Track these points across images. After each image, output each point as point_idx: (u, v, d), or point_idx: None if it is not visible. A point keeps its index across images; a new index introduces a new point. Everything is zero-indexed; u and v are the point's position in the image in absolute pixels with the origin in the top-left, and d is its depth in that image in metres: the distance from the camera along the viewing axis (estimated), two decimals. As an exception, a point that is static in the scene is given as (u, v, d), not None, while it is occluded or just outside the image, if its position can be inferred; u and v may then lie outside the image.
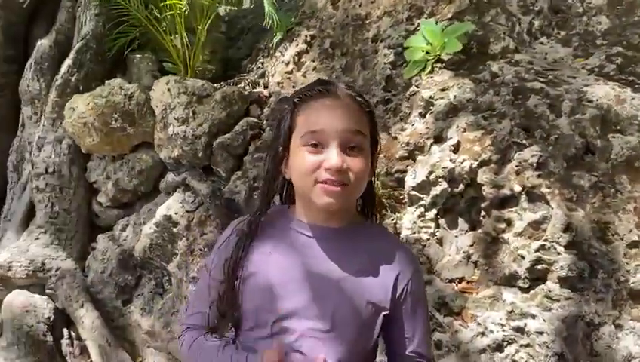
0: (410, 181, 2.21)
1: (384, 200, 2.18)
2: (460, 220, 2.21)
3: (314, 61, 2.97)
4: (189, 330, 1.23)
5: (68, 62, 3.31)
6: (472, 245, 2.15)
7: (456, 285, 2.11)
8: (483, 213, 2.15)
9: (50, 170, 3.15)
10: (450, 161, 2.15)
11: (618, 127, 2.12)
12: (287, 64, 3.03)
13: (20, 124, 3.59)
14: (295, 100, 1.13)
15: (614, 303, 1.86)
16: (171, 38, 3.31)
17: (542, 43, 2.74)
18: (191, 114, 2.78)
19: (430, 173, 2.16)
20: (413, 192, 2.19)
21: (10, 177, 3.56)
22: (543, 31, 2.74)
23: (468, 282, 2.14)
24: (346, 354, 1.09)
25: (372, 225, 1.23)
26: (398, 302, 1.13)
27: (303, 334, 1.08)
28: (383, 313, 1.12)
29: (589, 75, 2.39)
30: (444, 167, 2.14)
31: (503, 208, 2.12)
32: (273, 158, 1.15)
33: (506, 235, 2.08)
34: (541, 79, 2.32)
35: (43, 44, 3.58)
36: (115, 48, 3.41)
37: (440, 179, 2.15)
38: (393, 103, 2.58)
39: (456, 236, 2.18)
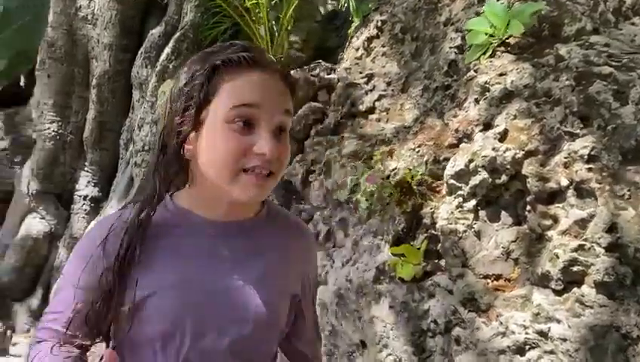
0: (449, 169, 2.11)
1: (414, 187, 2.11)
2: (503, 214, 2.06)
3: (384, 46, 2.93)
4: (37, 344, 0.95)
5: (167, 50, 3.63)
6: (514, 241, 2.00)
7: (491, 282, 1.98)
8: (528, 207, 1.99)
9: (147, 147, 3.49)
10: (493, 149, 2.01)
11: (698, 118, 1.83)
12: (357, 50, 3.02)
13: (130, 107, 4.02)
14: (217, 62, 0.88)
15: (661, 317, 1.63)
16: (257, 27, 3.48)
17: (633, 24, 2.44)
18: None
19: (470, 161, 2.04)
20: (452, 181, 2.09)
21: (121, 154, 4.01)
22: (636, 10, 2.44)
23: (506, 280, 2.00)
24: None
25: (272, 208, 1.06)
26: (304, 292, 1.05)
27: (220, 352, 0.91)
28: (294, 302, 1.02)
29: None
30: (484, 156, 2.02)
31: (550, 203, 1.95)
32: (177, 133, 0.88)
33: (550, 233, 1.91)
34: (614, 63, 2.07)
35: (153, 34, 3.96)
36: (210, 38, 3.67)
37: (480, 169, 2.03)
38: (452, 89, 2.47)
39: (497, 230, 2.04)
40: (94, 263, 0.88)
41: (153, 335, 0.88)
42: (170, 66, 3.59)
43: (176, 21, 3.99)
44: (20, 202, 4.17)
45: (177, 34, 3.66)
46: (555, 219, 1.91)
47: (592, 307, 1.68)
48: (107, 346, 0.92)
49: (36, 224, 4.01)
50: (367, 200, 2.19)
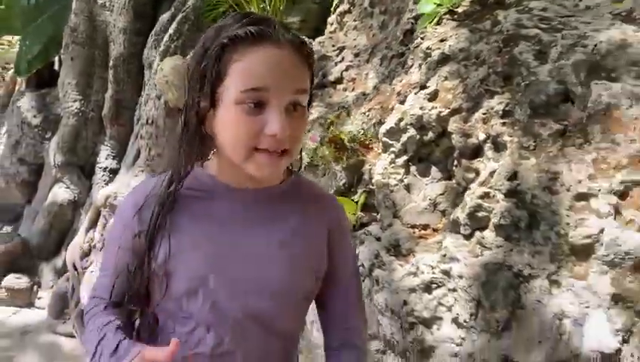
0: (383, 128, 2.24)
1: (347, 143, 2.26)
2: (434, 169, 2.18)
3: (355, 20, 3.06)
4: (93, 299, 1.04)
5: (170, 31, 3.88)
6: (441, 194, 2.12)
7: (418, 231, 2.11)
8: (455, 162, 2.10)
9: (150, 121, 3.77)
10: (421, 108, 2.13)
11: (613, 74, 1.89)
12: (332, 24, 3.17)
13: (142, 86, 4.32)
14: (224, 41, 0.86)
15: (552, 257, 1.72)
16: (250, 7, 3.67)
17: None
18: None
19: (400, 120, 2.17)
20: (385, 139, 2.22)
21: (134, 129, 4.32)
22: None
23: (433, 230, 2.13)
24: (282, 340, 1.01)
25: (298, 179, 1.06)
26: (334, 259, 1.05)
27: (237, 321, 0.95)
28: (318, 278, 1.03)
29: (613, 19, 2.13)
30: (412, 114, 2.14)
31: (473, 158, 2.06)
32: (196, 111, 0.90)
33: (473, 185, 2.02)
34: (543, 25, 2.13)
35: (163, 17, 4.22)
36: (209, 19, 3.89)
37: (409, 126, 2.15)
38: (405, 57, 2.58)
39: (426, 184, 2.17)
40: (131, 227, 0.95)
41: (180, 292, 0.93)
42: (172, 46, 3.84)
43: (184, 5, 4.24)
44: (48, 173, 4.57)
45: (179, 16, 3.90)
46: (477, 172, 2.02)
47: (490, 248, 1.79)
48: (144, 312, 1.00)
49: (62, 192, 4.39)
50: (310, 156, 2.36)
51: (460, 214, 1.90)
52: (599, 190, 1.69)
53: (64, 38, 4.48)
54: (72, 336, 3.66)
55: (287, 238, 0.97)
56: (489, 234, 1.81)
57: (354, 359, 1.05)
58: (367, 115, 2.47)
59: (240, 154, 0.88)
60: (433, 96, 2.16)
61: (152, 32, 4.21)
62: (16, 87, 5.30)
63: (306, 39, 0.98)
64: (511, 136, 1.90)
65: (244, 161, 0.89)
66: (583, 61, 1.90)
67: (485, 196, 1.85)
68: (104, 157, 4.46)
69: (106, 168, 4.42)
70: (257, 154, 0.87)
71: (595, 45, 1.94)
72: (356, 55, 2.94)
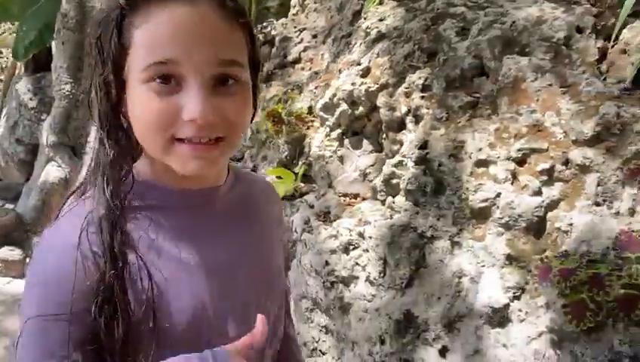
0: (319, 103, 2.35)
1: (285, 117, 2.37)
2: (365, 142, 2.29)
3: (315, 2, 3.16)
4: None
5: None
6: (371, 165, 2.23)
7: (348, 199, 2.23)
8: (384, 135, 2.21)
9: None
10: (352, 84, 2.23)
11: (526, 50, 1.97)
12: (295, 6, 3.27)
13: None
14: (122, 2, 0.67)
15: (455, 220, 1.82)
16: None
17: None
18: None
19: (334, 95, 2.28)
20: (321, 113, 2.33)
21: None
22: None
23: (362, 199, 2.24)
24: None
25: (236, 171, 0.88)
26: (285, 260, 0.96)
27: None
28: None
29: (538, -1, 2.20)
30: (344, 90, 2.24)
31: (399, 130, 2.16)
32: (105, 93, 0.69)
33: (398, 157, 2.12)
34: (470, 4, 2.21)
35: None
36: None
37: (341, 101, 2.26)
38: (351, 37, 2.68)
39: (358, 156, 2.28)
40: (73, 276, 0.65)
41: (177, 334, 0.71)
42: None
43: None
44: (42, 153, 4.77)
45: None
46: (401, 144, 2.12)
47: (399, 212, 1.90)
48: None
49: (54, 171, 4.58)
50: (255, 128, 2.48)
51: (378, 181, 2.01)
52: (498, 157, 1.78)
53: (56, 24, 4.65)
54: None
55: (259, 243, 0.84)
56: (399, 199, 1.92)
57: None
58: (314, 92, 2.58)
59: (156, 148, 0.69)
60: (365, 73, 2.26)
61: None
62: (16, 72, 5.50)
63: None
64: (428, 109, 2.00)
65: (163, 156, 0.69)
66: (499, 37, 1.98)
67: (399, 164, 1.96)
68: (94, 138, 4.63)
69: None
70: (178, 146, 0.67)
71: (514, 22, 2.02)
72: (314, 36, 3.04)
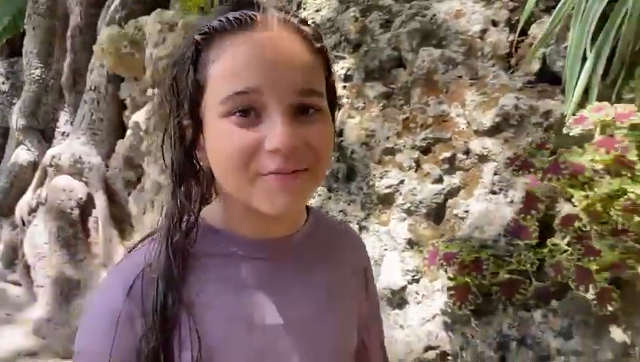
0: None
1: None
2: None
3: (267, -6, 3.19)
4: None
5: (115, 2, 4.05)
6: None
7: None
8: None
9: (93, 87, 3.96)
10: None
11: (443, 42, 2.01)
12: None
13: (95, 55, 4.50)
14: (198, 38, 0.64)
15: (363, 205, 1.87)
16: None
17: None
18: (161, 40, 3.27)
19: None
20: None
21: (87, 96, 4.52)
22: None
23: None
24: None
25: (316, 215, 0.80)
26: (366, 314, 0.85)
27: None
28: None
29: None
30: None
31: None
32: (180, 137, 0.67)
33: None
34: (399, -3, 2.25)
35: (116, -10, 4.39)
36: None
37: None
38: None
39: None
40: (126, 325, 0.62)
41: None
42: (117, 17, 4.00)
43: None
44: (12, 136, 4.80)
45: (125, -14, 4.06)
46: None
47: (313, 197, 1.95)
48: None
49: (23, 154, 4.61)
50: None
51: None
52: (404, 146, 1.83)
53: (27, 9, 4.67)
54: (19, 284, 3.91)
55: (326, 302, 0.75)
56: (315, 185, 1.96)
57: None
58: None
59: (238, 186, 0.63)
60: (296, 62, 2.29)
61: (105, 4, 4.38)
62: (-9, 56, 5.52)
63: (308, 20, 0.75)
64: (348, 98, 2.04)
65: (245, 194, 0.63)
66: (418, 30, 2.02)
67: (317, 151, 2.00)
68: (63, 123, 4.66)
69: (64, 133, 4.63)
70: (262, 181, 0.61)
71: (434, 15, 2.06)
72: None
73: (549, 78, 1.80)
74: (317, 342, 0.72)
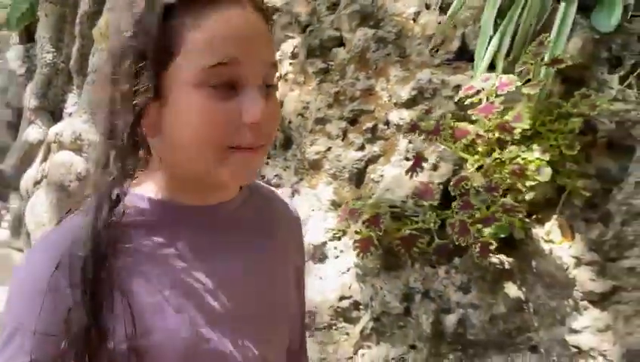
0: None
1: None
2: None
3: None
4: None
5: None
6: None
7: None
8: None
9: (94, 69, 4.22)
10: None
11: (380, 24, 2.16)
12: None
13: (99, 40, 4.77)
14: (171, 1, 0.60)
15: (296, 171, 2.05)
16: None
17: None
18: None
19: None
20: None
21: (92, 79, 4.79)
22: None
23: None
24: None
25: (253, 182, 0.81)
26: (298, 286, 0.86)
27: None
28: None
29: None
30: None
31: (277, 94, 2.38)
32: (133, 106, 0.61)
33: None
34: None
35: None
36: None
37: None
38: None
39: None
40: (53, 297, 0.60)
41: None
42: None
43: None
44: (25, 116, 5.12)
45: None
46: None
47: (254, 163, 2.13)
48: None
49: (33, 133, 4.93)
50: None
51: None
52: (334, 117, 1.99)
53: (40, -3, 4.98)
54: (22, 251, 4.22)
55: (274, 270, 0.77)
56: (257, 152, 2.15)
57: None
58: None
59: (209, 158, 0.62)
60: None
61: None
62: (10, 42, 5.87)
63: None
64: (293, 74, 2.22)
65: (215, 166, 0.62)
66: (358, 11, 2.18)
67: (261, 122, 2.18)
68: (70, 104, 4.96)
69: (70, 113, 4.92)
70: (233, 155, 0.62)
71: (374, -2, 2.21)
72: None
73: (469, 57, 1.94)
74: (248, 304, 0.71)
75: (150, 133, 0.64)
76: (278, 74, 2.27)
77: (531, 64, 1.55)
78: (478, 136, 1.54)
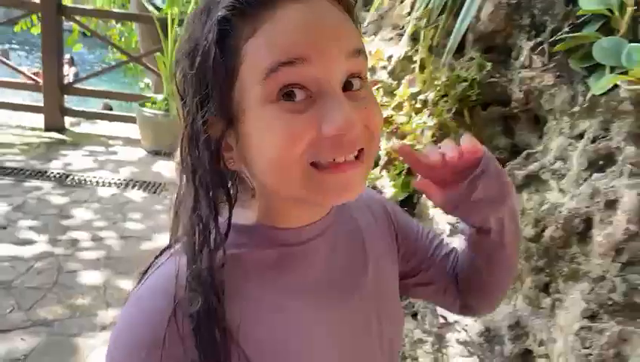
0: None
1: None
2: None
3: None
4: None
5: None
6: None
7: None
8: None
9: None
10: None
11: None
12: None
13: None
14: (222, 15, 0.50)
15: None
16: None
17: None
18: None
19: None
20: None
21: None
22: None
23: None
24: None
25: None
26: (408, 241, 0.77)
27: None
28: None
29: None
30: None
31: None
32: (205, 141, 0.52)
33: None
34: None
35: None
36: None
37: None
38: None
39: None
40: (169, 351, 0.50)
41: None
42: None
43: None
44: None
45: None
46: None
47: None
48: None
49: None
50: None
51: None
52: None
53: None
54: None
55: (381, 279, 0.69)
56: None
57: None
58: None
59: (293, 182, 0.52)
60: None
61: None
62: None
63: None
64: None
65: (302, 191, 0.52)
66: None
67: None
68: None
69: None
70: (318, 174, 0.51)
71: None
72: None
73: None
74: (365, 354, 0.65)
75: (233, 166, 0.55)
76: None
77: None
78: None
